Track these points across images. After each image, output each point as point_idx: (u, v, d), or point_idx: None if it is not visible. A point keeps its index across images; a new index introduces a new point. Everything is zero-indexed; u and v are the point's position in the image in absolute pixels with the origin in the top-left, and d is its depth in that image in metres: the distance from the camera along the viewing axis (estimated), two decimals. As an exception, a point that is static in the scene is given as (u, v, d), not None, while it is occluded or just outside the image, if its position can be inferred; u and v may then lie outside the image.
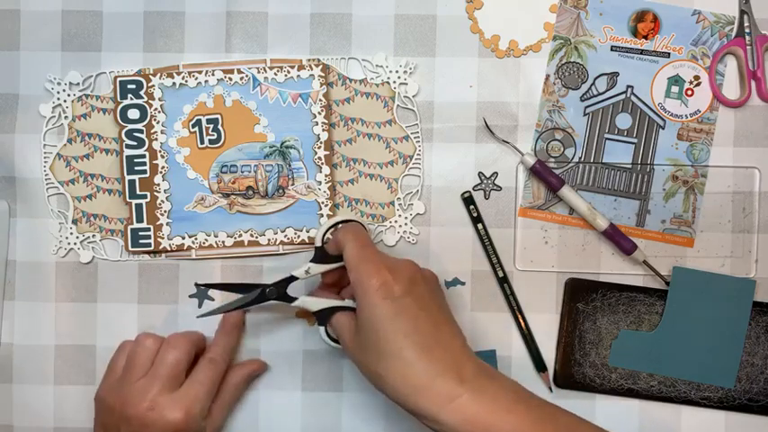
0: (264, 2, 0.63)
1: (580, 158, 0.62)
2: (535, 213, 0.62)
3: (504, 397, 0.48)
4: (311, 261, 0.56)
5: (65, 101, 0.63)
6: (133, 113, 0.62)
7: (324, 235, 0.57)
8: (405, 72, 0.62)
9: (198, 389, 0.56)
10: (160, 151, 0.62)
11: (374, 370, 0.49)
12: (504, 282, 0.61)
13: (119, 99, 0.62)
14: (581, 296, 0.61)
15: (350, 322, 0.53)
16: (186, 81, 0.62)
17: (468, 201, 0.62)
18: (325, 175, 0.62)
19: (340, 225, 0.57)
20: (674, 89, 0.62)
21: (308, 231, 0.62)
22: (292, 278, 0.56)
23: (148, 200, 0.62)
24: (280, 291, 0.57)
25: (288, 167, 0.62)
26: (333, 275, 0.57)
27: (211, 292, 0.63)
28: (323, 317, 0.55)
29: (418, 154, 0.62)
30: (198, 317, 0.59)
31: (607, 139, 0.62)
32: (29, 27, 0.63)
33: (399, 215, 0.62)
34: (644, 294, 0.61)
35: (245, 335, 0.63)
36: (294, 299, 0.56)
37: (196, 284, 0.62)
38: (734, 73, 0.62)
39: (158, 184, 0.62)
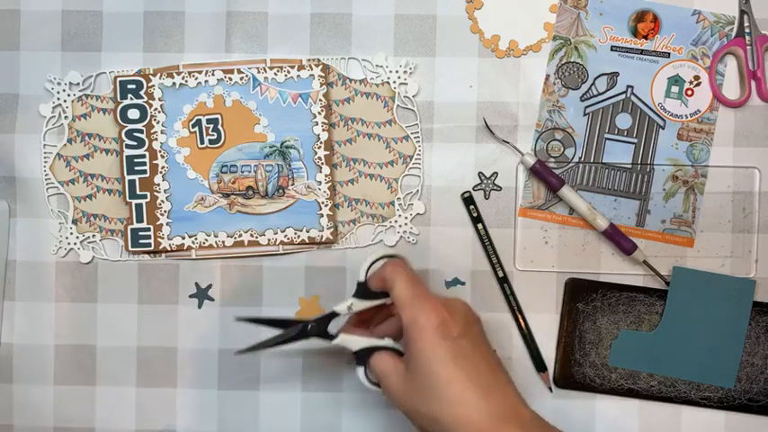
0: (264, 2, 0.63)
1: (580, 158, 0.62)
2: (535, 213, 0.62)
3: None
4: (353, 296, 0.53)
5: (65, 101, 0.63)
6: (133, 113, 0.62)
7: (368, 270, 0.53)
8: (405, 72, 0.62)
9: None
10: (160, 151, 0.62)
11: (428, 413, 0.47)
12: (504, 282, 0.61)
13: (119, 99, 0.62)
14: (581, 296, 0.61)
15: (395, 364, 0.50)
16: (186, 81, 0.62)
17: (468, 201, 0.62)
18: (325, 175, 0.62)
19: (383, 259, 0.54)
20: (674, 89, 0.62)
21: (308, 231, 0.62)
22: (334, 314, 0.53)
23: (148, 200, 0.62)
24: (321, 327, 0.53)
25: (288, 167, 0.62)
26: (369, 312, 0.54)
27: (211, 293, 0.63)
28: (363, 357, 0.52)
29: (418, 154, 0.62)
30: (236, 353, 0.54)
31: (607, 139, 0.62)
32: (29, 27, 0.63)
33: (399, 215, 0.62)
34: (644, 294, 0.61)
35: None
36: (334, 336, 0.53)
37: (239, 318, 0.56)
38: (734, 73, 0.62)
39: (158, 184, 0.62)
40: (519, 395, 0.48)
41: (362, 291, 0.53)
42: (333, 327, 0.54)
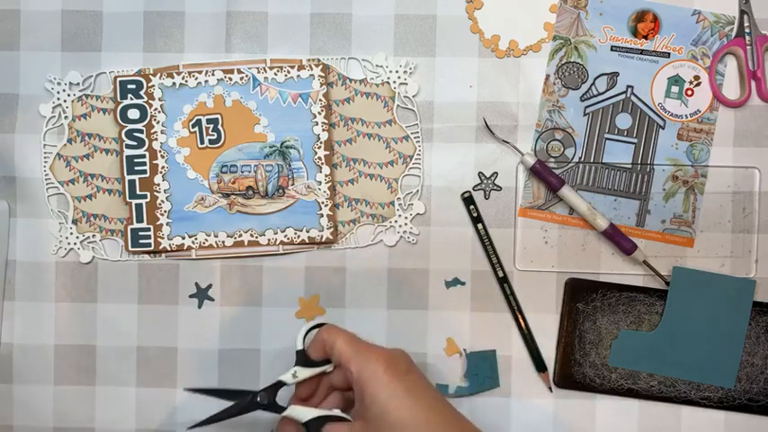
0: (264, 2, 0.63)
1: (580, 158, 0.62)
2: (535, 213, 0.62)
3: None
4: (296, 365, 0.54)
5: (65, 101, 0.63)
6: (133, 113, 0.62)
7: (304, 338, 0.55)
8: (405, 72, 0.62)
9: None
10: (160, 151, 0.62)
11: None
12: (504, 282, 0.61)
13: (119, 99, 0.62)
14: (581, 296, 0.61)
15: (351, 427, 0.50)
16: (186, 81, 0.62)
17: (468, 201, 0.62)
18: (325, 175, 0.62)
19: (316, 328, 0.55)
20: (674, 89, 0.62)
21: (308, 231, 0.62)
22: (280, 383, 0.54)
23: (148, 200, 0.62)
24: (270, 398, 0.54)
25: (288, 167, 0.62)
26: (308, 388, 0.54)
27: (211, 293, 0.63)
28: (314, 428, 0.51)
29: (418, 154, 0.62)
30: (188, 429, 0.55)
31: (607, 139, 0.62)
32: (29, 27, 0.63)
33: (399, 215, 0.62)
34: (644, 294, 0.61)
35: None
36: (283, 408, 0.53)
37: (187, 389, 0.57)
38: (734, 73, 0.62)
39: (158, 184, 0.62)
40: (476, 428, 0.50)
41: (303, 359, 0.54)
42: (281, 399, 0.54)
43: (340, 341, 0.51)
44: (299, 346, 0.54)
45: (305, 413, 0.52)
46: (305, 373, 0.54)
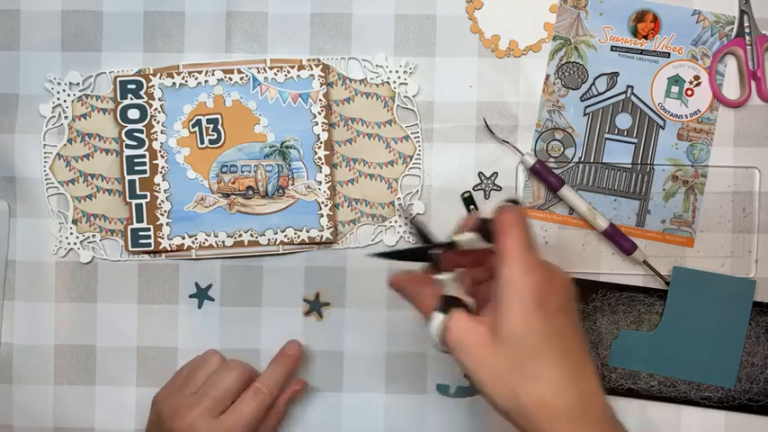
0: (264, 2, 0.63)
1: (580, 158, 0.62)
2: (535, 213, 0.62)
3: None
4: (475, 232, 0.46)
5: (65, 101, 0.63)
6: (133, 113, 0.62)
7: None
8: (405, 72, 0.62)
9: (237, 419, 0.55)
10: (160, 151, 0.62)
11: (507, 385, 0.42)
12: (504, 282, 0.61)
13: (119, 99, 0.62)
14: (581, 296, 0.61)
15: (476, 326, 0.44)
16: (186, 81, 0.62)
17: (468, 201, 0.62)
18: (325, 175, 0.62)
19: (503, 206, 0.46)
20: (674, 89, 0.62)
21: (308, 231, 0.62)
22: (453, 244, 0.47)
23: (148, 200, 0.62)
24: (437, 256, 0.47)
25: (288, 167, 0.62)
26: (454, 259, 0.47)
27: (211, 293, 0.63)
28: (446, 304, 0.44)
29: (418, 154, 0.62)
30: (370, 255, 0.50)
31: (607, 139, 0.62)
32: (29, 27, 0.63)
33: (399, 215, 0.62)
34: (644, 294, 0.61)
35: (298, 363, 0.62)
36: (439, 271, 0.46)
37: (373, 255, 0.50)
38: (734, 73, 0.62)
39: (158, 184, 0.62)
40: (601, 388, 0.44)
41: (485, 229, 0.46)
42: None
43: (512, 234, 0.44)
44: (488, 216, 0.46)
45: (450, 287, 0.46)
46: (478, 243, 0.46)
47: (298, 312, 0.63)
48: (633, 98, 0.62)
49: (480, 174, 0.62)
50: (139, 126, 0.62)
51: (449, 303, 0.45)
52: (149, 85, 0.62)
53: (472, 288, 0.48)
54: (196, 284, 0.63)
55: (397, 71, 0.62)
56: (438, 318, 0.44)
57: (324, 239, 0.62)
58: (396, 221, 0.62)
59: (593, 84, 0.62)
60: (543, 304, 0.42)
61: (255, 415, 0.56)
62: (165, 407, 0.56)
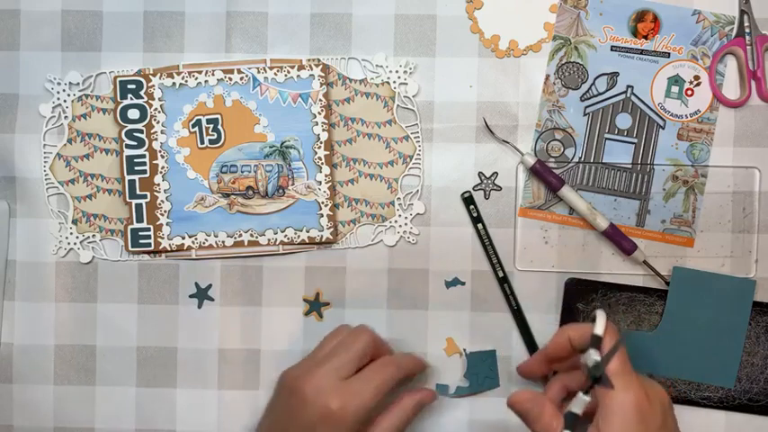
0: (264, 2, 0.63)
1: (580, 158, 0.62)
2: (535, 213, 0.62)
3: None
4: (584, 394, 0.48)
5: (65, 101, 0.63)
6: (133, 113, 0.62)
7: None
8: (405, 72, 0.62)
9: (364, 385, 0.52)
10: (160, 151, 0.62)
11: None
12: (504, 282, 0.61)
13: (119, 99, 0.62)
14: (581, 296, 0.61)
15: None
16: (186, 81, 0.62)
17: (468, 201, 0.62)
18: (325, 175, 0.62)
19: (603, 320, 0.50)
20: (674, 89, 0.62)
21: (308, 231, 0.62)
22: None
23: (148, 200, 0.62)
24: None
25: (288, 167, 0.62)
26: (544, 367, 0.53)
27: (211, 293, 0.63)
28: (573, 421, 0.48)
29: (418, 154, 0.62)
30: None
31: (607, 139, 0.62)
32: (29, 27, 0.63)
33: (399, 215, 0.62)
34: (644, 294, 0.61)
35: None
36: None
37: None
38: (734, 73, 0.62)
39: (158, 184, 0.62)
40: None
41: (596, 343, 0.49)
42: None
43: (614, 359, 0.48)
44: (600, 332, 0.49)
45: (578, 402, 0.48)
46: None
47: (298, 312, 0.63)
48: (633, 98, 0.62)
49: (480, 174, 0.62)
50: (139, 126, 0.62)
51: (574, 422, 0.47)
52: (149, 85, 0.62)
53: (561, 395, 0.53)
54: (196, 284, 0.63)
55: (397, 71, 0.62)
56: None
57: (324, 239, 0.62)
58: (396, 221, 0.62)
59: (593, 84, 0.62)
60: (642, 419, 0.45)
61: (381, 386, 0.53)
62: (293, 371, 0.54)
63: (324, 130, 0.62)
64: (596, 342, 0.49)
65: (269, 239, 0.62)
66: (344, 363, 0.53)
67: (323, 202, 0.62)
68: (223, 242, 0.62)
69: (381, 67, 0.62)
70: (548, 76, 0.62)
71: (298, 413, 0.52)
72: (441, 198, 0.62)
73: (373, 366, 0.54)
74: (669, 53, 0.62)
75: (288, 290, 0.63)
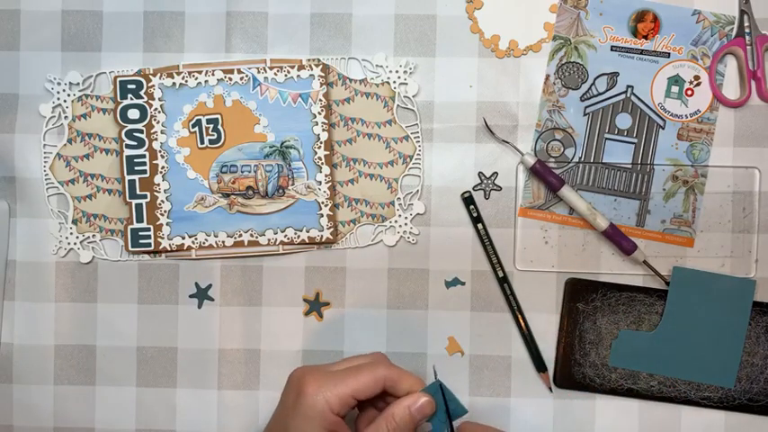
0: (264, 2, 0.63)
1: (580, 158, 0.62)
2: (535, 213, 0.62)
3: None
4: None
5: (65, 101, 0.63)
6: (133, 113, 0.62)
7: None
8: (405, 72, 0.62)
9: (345, 374, 0.51)
10: (160, 151, 0.62)
11: None
12: (504, 282, 0.61)
13: (119, 99, 0.62)
14: (581, 296, 0.61)
15: None
16: (186, 81, 0.62)
17: (468, 201, 0.62)
18: (325, 175, 0.62)
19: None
20: (674, 89, 0.62)
21: (308, 231, 0.62)
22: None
23: (148, 200, 0.62)
24: None
25: (288, 167, 0.62)
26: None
27: (211, 293, 0.63)
28: None
29: (418, 154, 0.62)
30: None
31: (607, 139, 0.62)
32: (29, 27, 0.63)
33: (399, 215, 0.62)
34: (644, 294, 0.61)
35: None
36: None
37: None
38: (734, 73, 0.62)
39: (158, 184, 0.62)
40: None
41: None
42: None
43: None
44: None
45: None
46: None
47: (298, 312, 0.63)
48: (633, 98, 0.62)
49: (480, 174, 0.62)
50: (139, 126, 0.62)
51: None
52: (149, 85, 0.62)
53: None
54: (196, 284, 0.63)
55: (397, 71, 0.62)
56: None
57: (324, 239, 0.62)
58: (396, 221, 0.62)
59: (593, 84, 0.62)
60: None
61: (366, 381, 0.50)
62: (301, 368, 0.53)
63: (324, 130, 0.62)
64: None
65: (269, 239, 0.62)
66: (340, 365, 0.52)
67: (323, 202, 0.62)
68: (223, 242, 0.62)
69: (381, 67, 0.62)
70: (548, 76, 0.62)
71: (284, 397, 0.52)
72: (441, 198, 0.62)
73: (361, 364, 0.53)
74: (669, 53, 0.62)
75: (288, 290, 0.63)
